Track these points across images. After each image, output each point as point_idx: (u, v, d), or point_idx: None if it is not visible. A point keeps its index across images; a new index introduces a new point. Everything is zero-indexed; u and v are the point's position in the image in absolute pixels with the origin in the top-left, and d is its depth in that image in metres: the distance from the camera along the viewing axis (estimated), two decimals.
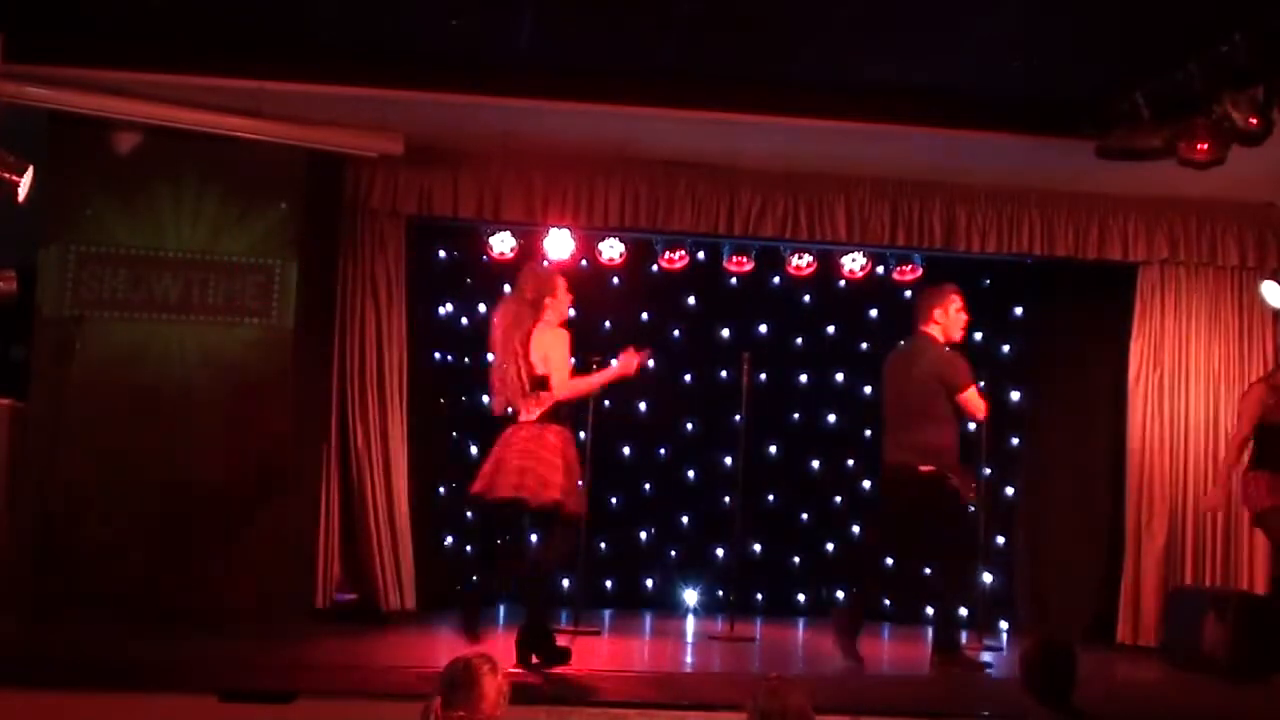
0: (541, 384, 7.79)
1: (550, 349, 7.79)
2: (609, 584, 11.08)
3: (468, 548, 10.99)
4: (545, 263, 8.46)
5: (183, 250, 9.21)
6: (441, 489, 10.68)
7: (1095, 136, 8.51)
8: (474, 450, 11.13)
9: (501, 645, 7.71)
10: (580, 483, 7.94)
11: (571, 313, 8.07)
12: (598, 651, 8.62)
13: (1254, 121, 7.55)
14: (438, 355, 10.82)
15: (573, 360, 7.85)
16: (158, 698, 6.71)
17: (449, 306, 11.09)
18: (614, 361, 8.06)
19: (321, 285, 9.61)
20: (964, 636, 9.95)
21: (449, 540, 10.91)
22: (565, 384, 7.79)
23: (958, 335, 8.72)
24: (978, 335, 11.24)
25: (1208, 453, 10.10)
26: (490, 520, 8.25)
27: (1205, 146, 7.94)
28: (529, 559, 8.09)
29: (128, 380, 9.05)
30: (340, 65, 8.50)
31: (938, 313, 8.62)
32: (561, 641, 8.01)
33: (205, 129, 8.97)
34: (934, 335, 8.62)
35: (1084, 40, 7.75)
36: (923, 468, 8.41)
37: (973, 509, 8.48)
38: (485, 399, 11.12)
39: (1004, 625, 10.44)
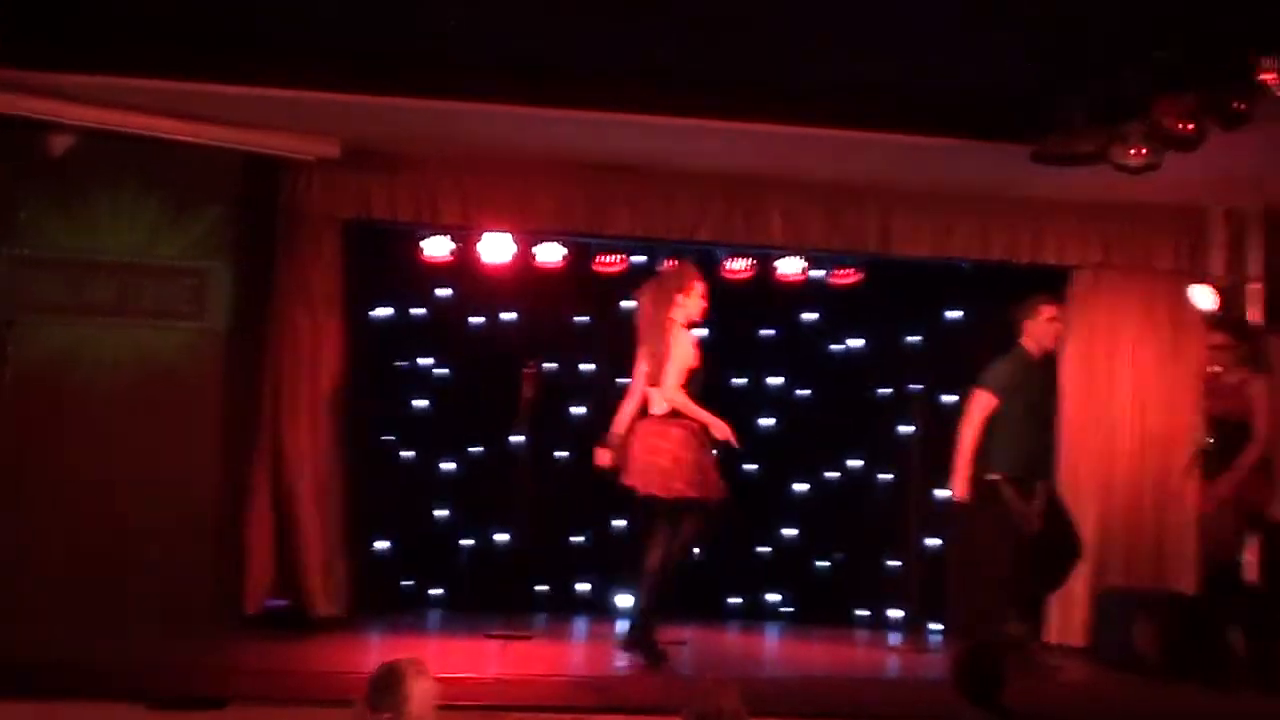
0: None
1: (676, 346, 8.32)
2: (542, 588, 11.03)
3: (400, 553, 10.99)
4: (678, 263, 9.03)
5: (118, 253, 9.13)
6: (374, 494, 10.65)
7: (1031, 141, 8.53)
8: (407, 454, 11.12)
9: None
10: (709, 471, 8.41)
11: (701, 316, 8.59)
12: (531, 656, 8.60)
13: (1188, 127, 7.61)
14: (373, 358, 10.77)
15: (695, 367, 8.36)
16: (86, 705, 6.65)
17: (385, 310, 11.04)
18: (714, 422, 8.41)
19: (256, 288, 9.54)
20: (897, 639, 10.10)
21: (382, 545, 10.87)
22: (670, 388, 8.29)
23: (1050, 344, 8.95)
24: (914, 338, 11.34)
25: (1137, 455, 10.19)
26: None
27: (1140, 152, 7.99)
28: (656, 552, 8.41)
29: (60, 384, 8.95)
30: (276, 68, 8.41)
31: (1028, 324, 8.83)
32: (495, 646, 8.47)
33: (141, 132, 8.89)
34: (1026, 346, 8.83)
35: (1021, 45, 7.77)
36: (988, 476, 8.63)
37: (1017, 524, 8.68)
38: (424, 402, 11.23)
39: (937, 626, 10.46)
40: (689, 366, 8.36)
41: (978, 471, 8.76)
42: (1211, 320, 9.87)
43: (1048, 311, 8.92)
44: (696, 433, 8.33)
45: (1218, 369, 8.94)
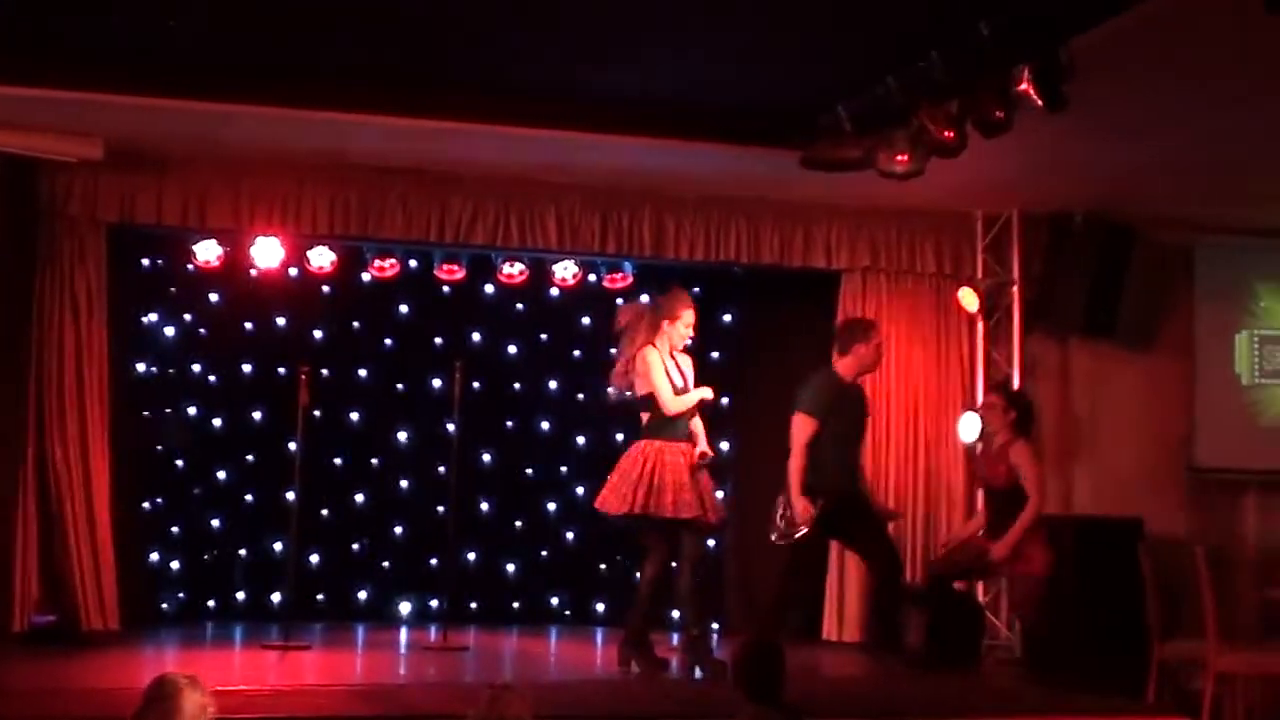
0: (645, 404, 8.47)
1: (648, 371, 8.41)
2: (320, 597, 10.90)
3: (174, 564, 10.78)
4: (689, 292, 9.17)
5: None
6: (145, 504, 10.43)
7: (800, 147, 8.69)
8: (180, 464, 10.89)
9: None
10: (696, 492, 8.39)
11: (686, 340, 8.72)
12: (309, 666, 8.50)
13: (949, 135, 7.79)
14: (141, 367, 10.54)
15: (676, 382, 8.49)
16: None
17: (153, 316, 10.79)
18: (700, 390, 8.62)
19: (17, 296, 9.27)
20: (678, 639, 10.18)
21: (154, 557, 10.63)
22: (673, 401, 8.41)
23: (873, 367, 9.01)
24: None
25: (907, 456, 10.45)
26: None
27: (904, 158, 8.17)
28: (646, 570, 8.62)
29: None
30: (33, 66, 8.17)
31: (858, 347, 8.73)
32: (273, 657, 8.36)
33: None
34: (837, 367, 8.77)
35: (790, 54, 7.89)
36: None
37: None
38: (196, 410, 11.02)
39: (714, 625, 10.57)
40: (675, 385, 8.48)
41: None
42: (989, 384, 10.22)
43: (879, 336, 8.98)
44: (672, 452, 8.40)
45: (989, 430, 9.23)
